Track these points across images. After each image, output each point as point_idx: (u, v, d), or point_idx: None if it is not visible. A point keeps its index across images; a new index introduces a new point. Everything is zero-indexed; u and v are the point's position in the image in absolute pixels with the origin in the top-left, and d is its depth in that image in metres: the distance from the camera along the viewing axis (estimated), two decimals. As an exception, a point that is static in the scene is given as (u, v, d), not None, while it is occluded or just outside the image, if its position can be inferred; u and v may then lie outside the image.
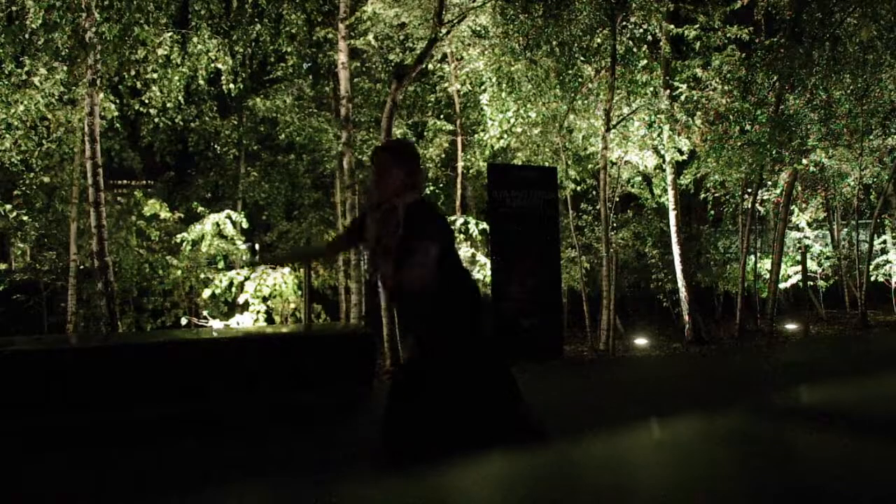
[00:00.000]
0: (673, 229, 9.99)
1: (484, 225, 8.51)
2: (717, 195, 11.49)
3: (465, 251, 8.62)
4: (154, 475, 3.76)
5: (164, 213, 8.75)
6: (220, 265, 8.61)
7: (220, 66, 8.07)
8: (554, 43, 8.34)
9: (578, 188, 10.62)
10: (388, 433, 2.97)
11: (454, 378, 2.90)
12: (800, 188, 12.26)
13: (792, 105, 10.16)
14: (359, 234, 3.14)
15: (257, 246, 14.75)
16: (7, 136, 7.81)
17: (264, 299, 8.05)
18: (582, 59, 8.66)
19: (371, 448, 3.01)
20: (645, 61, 8.96)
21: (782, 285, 11.82)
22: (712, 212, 12.87)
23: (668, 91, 9.39)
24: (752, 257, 11.21)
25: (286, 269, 8.28)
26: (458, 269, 3.07)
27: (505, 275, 7.66)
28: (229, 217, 8.60)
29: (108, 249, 7.55)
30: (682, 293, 9.82)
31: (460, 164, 10.43)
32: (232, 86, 8.25)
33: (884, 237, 12.90)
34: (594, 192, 10.93)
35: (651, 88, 9.13)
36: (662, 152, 9.71)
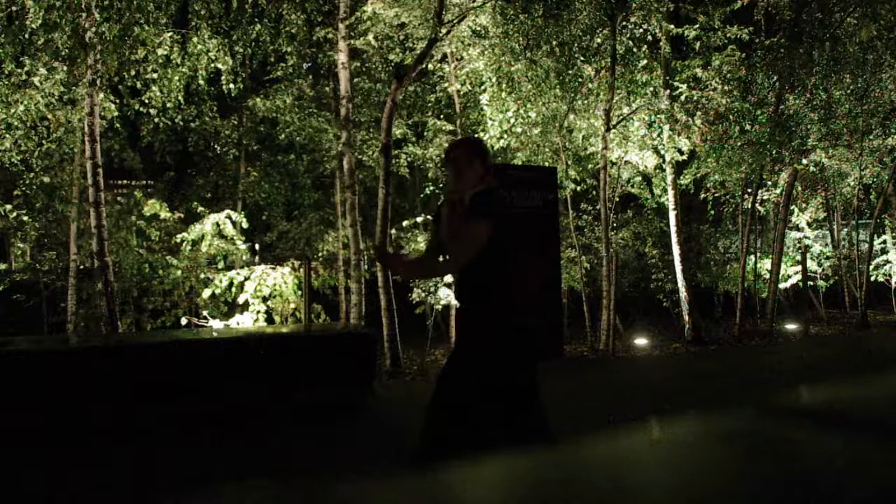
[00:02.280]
0: (673, 229, 9.99)
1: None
2: (717, 195, 11.50)
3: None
4: (154, 475, 3.76)
5: (164, 213, 8.75)
6: (220, 265, 8.61)
7: (220, 66, 8.07)
8: (554, 43, 8.34)
9: (578, 188, 10.62)
10: (427, 427, 2.99)
11: (486, 366, 2.95)
12: (800, 188, 12.26)
13: (792, 105, 10.16)
14: (436, 230, 3.22)
15: (257, 246, 14.74)
16: (7, 136, 7.81)
17: (264, 299, 8.05)
18: (582, 59, 8.66)
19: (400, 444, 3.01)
20: (645, 61, 8.96)
21: (782, 285, 11.82)
22: (712, 212, 12.88)
23: (668, 91, 9.39)
24: (752, 257, 11.21)
25: (286, 269, 8.28)
26: (509, 254, 3.05)
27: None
28: (229, 217, 8.60)
29: (108, 249, 7.55)
30: (682, 293, 9.82)
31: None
32: (232, 86, 8.25)
33: (884, 237, 12.90)
34: (594, 192, 10.93)
35: (651, 88, 9.14)
36: (662, 152, 9.72)
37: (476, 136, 8.94)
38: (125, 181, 16.03)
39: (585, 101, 8.94)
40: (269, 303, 8.11)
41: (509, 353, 2.96)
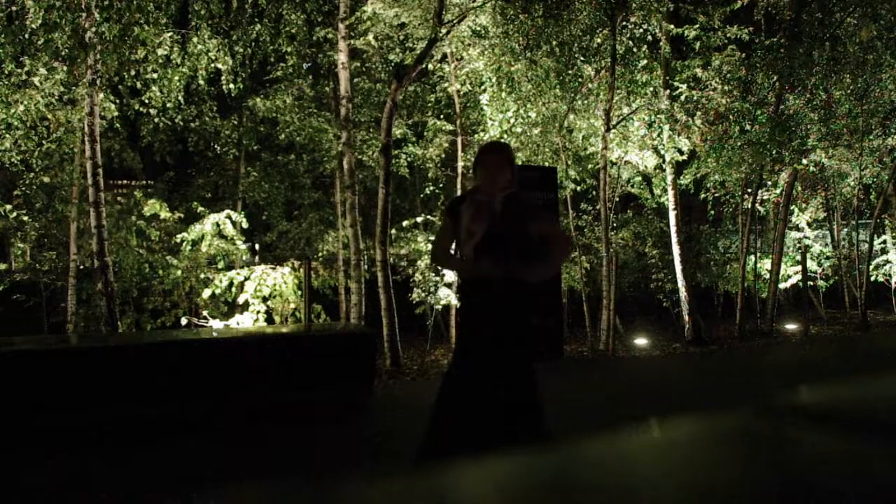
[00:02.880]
0: (673, 229, 9.99)
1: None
2: (717, 195, 11.49)
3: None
4: (154, 475, 3.76)
5: (164, 213, 8.75)
6: (220, 265, 8.61)
7: (220, 66, 8.07)
8: (554, 43, 8.34)
9: (578, 188, 10.63)
10: (431, 425, 3.07)
11: (508, 364, 3.07)
12: (800, 188, 12.26)
13: (792, 105, 10.16)
14: (453, 227, 3.27)
15: (257, 246, 14.74)
16: (7, 136, 7.80)
17: (264, 299, 8.05)
18: (582, 59, 8.66)
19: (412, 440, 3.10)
20: (645, 61, 8.96)
21: (782, 285, 11.82)
22: (712, 212, 12.87)
23: (668, 91, 9.39)
24: (752, 257, 11.20)
25: (286, 269, 8.28)
26: None
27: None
28: (229, 217, 8.60)
29: (108, 249, 7.55)
30: (682, 293, 9.82)
31: (460, 164, 10.43)
32: (232, 86, 8.25)
33: (884, 237, 12.90)
34: (594, 192, 10.93)
35: (651, 88, 9.13)
36: (662, 152, 9.71)
37: (486, 137, 8.96)
38: (125, 181, 16.02)
39: (585, 101, 8.94)
40: (269, 303, 8.11)
41: (531, 327, 3.21)
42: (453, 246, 3.35)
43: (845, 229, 13.63)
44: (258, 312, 7.96)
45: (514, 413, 3.02)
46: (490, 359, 3.06)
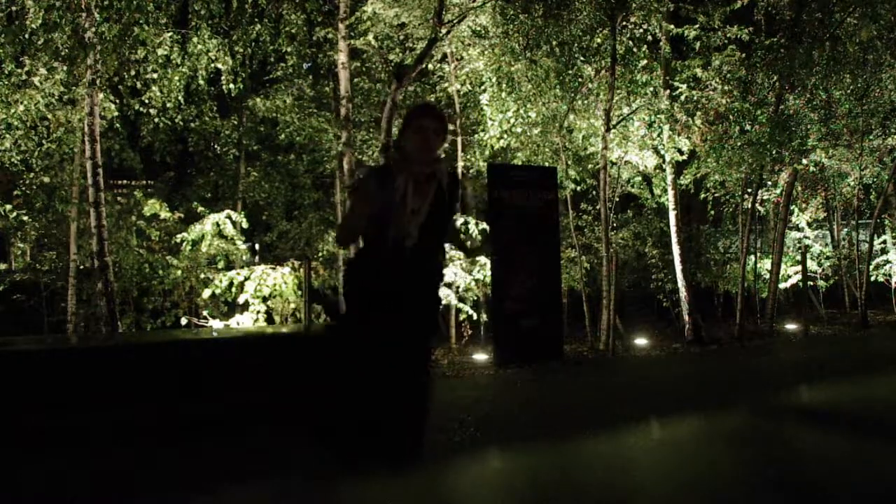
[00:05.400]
0: (673, 229, 9.99)
1: (484, 225, 8.51)
2: (717, 195, 11.49)
3: (465, 251, 8.62)
4: (154, 476, 3.76)
5: (164, 213, 8.75)
6: (220, 265, 8.62)
7: (220, 66, 8.08)
8: (554, 43, 8.34)
9: (578, 188, 10.63)
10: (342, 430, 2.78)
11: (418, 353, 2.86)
12: (800, 188, 12.25)
13: (792, 105, 10.15)
14: (383, 199, 2.74)
15: (257, 246, 14.75)
16: (7, 136, 7.81)
17: (264, 299, 8.05)
18: (582, 59, 8.66)
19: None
20: (645, 61, 8.96)
21: (782, 285, 11.82)
22: (712, 212, 12.87)
23: (668, 91, 9.39)
24: (752, 257, 11.20)
25: (286, 269, 8.28)
26: None
27: (505, 275, 7.66)
28: (229, 217, 8.60)
29: (108, 249, 7.55)
30: (682, 293, 9.82)
31: (460, 164, 10.43)
32: (232, 86, 8.25)
33: (884, 237, 12.90)
34: (594, 192, 10.93)
35: (651, 88, 9.14)
36: (662, 152, 9.72)
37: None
38: (125, 181, 16.03)
39: (585, 101, 8.94)
40: (269, 303, 8.10)
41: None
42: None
43: (845, 229, 13.62)
44: (258, 312, 7.96)
45: (397, 420, 2.60)
46: (389, 352, 2.74)
